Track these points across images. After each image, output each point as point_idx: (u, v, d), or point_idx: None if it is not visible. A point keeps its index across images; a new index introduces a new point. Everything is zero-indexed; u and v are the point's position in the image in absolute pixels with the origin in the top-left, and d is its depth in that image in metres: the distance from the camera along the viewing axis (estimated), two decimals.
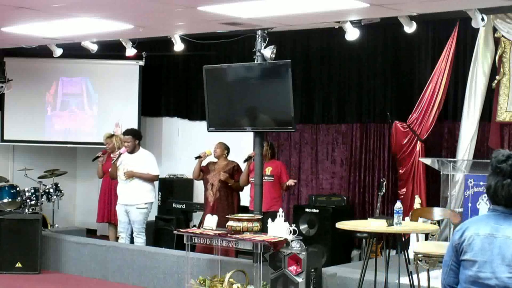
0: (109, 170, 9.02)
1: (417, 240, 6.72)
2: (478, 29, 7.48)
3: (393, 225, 5.88)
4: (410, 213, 6.88)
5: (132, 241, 8.79)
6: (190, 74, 10.80)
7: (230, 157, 8.67)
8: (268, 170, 8.18)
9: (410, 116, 8.34)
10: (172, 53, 9.15)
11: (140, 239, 8.67)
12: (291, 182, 8.33)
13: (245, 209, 8.42)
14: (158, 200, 10.17)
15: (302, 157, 9.80)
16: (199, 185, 9.96)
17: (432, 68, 8.30)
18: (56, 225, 10.29)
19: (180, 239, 7.43)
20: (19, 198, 9.81)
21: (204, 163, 8.70)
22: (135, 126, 10.07)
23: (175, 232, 7.53)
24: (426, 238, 7.40)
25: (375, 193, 8.88)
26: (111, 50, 9.81)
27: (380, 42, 9.04)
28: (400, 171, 8.50)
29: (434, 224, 6.92)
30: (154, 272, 7.94)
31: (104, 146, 9.88)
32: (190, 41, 8.59)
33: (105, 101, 11.00)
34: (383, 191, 8.07)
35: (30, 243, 8.65)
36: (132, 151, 8.68)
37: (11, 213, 9.26)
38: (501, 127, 8.16)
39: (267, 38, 7.32)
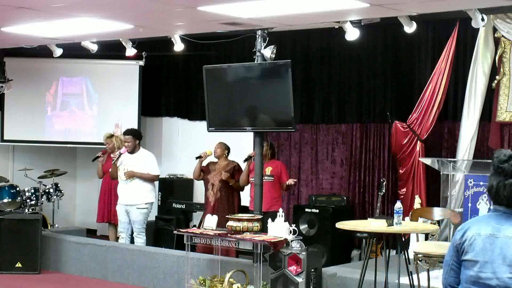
0: (110, 170, 9.02)
1: (417, 240, 6.72)
2: (478, 29, 7.48)
3: (393, 225, 5.88)
4: (410, 213, 6.88)
5: (132, 241, 8.79)
6: (190, 74, 10.80)
7: (230, 157, 8.67)
8: (268, 170, 8.18)
9: (410, 116, 8.34)
10: (172, 53, 9.15)
11: (140, 239, 8.67)
12: (291, 181, 8.33)
13: (245, 209, 8.42)
14: (158, 200, 10.17)
15: (302, 157, 9.80)
16: (199, 185, 9.97)
17: (432, 68, 8.30)
18: (56, 225, 10.30)
19: (180, 239, 7.43)
20: (19, 198, 9.81)
21: (204, 163, 8.70)
22: (135, 126, 10.08)
23: (175, 232, 7.53)
24: (426, 238, 7.40)
25: (375, 193, 8.88)
26: (111, 50, 9.81)
27: (380, 42, 9.04)
28: (400, 171, 8.50)
29: (434, 224, 6.92)
30: (154, 272, 7.94)
31: (104, 146, 9.88)
32: (190, 41, 8.59)
33: (105, 101, 11.00)
34: (383, 191, 8.06)
35: (30, 243, 8.65)
36: (132, 151, 8.68)
37: (11, 213, 9.26)
38: (501, 127, 8.16)
39: (267, 38, 7.32)
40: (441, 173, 7.79)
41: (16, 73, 10.80)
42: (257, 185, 7.44)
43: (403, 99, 8.82)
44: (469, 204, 7.49)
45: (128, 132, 8.81)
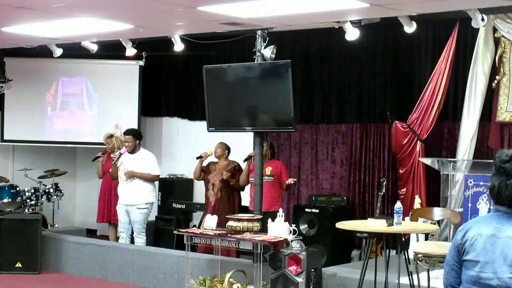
0: (110, 170, 9.02)
1: (417, 240, 6.72)
2: (478, 29, 7.48)
3: (393, 225, 5.88)
4: (410, 213, 6.88)
5: (132, 241, 8.79)
6: (190, 74, 10.80)
7: (230, 157, 8.67)
8: (268, 170, 8.18)
9: (410, 116, 8.34)
10: (172, 53, 9.15)
11: (140, 239, 8.67)
12: (290, 180, 8.32)
13: (245, 209, 8.42)
14: (158, 200, 10.17)
15: (302, 157, 9.80)
16: (199, 185, 9.97)
17: (432, 68, 8.30)
18: (56, 225, 10.30)
19: (180, 239, 7.43)
20: (19, 198, 9.81)
21: (205, 163, 8.70)
22: (135, 126, 10.08)
23: (175, 232, 7.53)
24: (426, 238, 7.40)
25: (375, 193, 8.88)
26: (111, 50, 9.81)
27: (380, 42, 9.04)
28: (400, 171, 8.50)
29: (434, 224, 6.92)
30: (154, 272, 7.94)
31: (104, 146, 9.88)
32: (190, 41, 8.59)
33: (105, 101, 11.00)
34: (383, 191, 8.07)
35: (30, 243, 8.65)
36: (132, 151, 8.68)
37: (11, 213, 9.26)
38: (501, 127, 8.16)
39: (267, 38, 7.32)
40: (441, 173, 7.79)
41: (16, 73, 10.80)
42: (257, 185, 7.44)
43: (403, 99, 8.82)
44: (469, 204, 7.49)
45: (128, 132, 8.82)
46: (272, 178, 8.26)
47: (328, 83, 9.52)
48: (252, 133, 8.02)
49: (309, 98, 9.59)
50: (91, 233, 10.92)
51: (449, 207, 7.66)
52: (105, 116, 10.89)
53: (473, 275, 2.87)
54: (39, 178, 10.05)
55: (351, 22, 7.29)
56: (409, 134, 8.34)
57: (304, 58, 9.58)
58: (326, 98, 9.52)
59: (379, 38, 9.01)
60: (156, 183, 9.11)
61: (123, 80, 10.91)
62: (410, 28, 7.21)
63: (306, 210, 8.91)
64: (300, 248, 6.41)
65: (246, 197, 8.64)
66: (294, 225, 6.75)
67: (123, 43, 8.79)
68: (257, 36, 7.34)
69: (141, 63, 10.72)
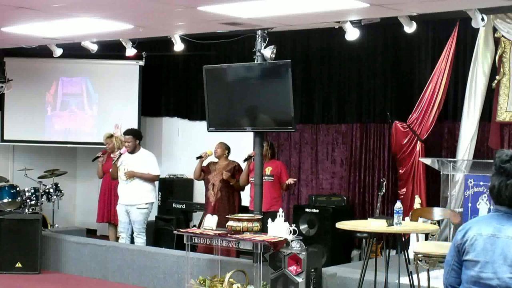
0: (110, 170, 9.02)
1: (417, 240, 6.72)
2: (478, 29, 7.48)
3: (393, 225, 5.88)
4: (410, 213, 6.88)
5: (132, 241, 8.79)
6: (190, 74, 10.80)
7: (230, 157, 8.67)
8: (268, 170, 8.18)
9: (410, 116, 8.34)
10: (172, 53, 9.15)
11: (140, 239, 8.67)
12: (290, 180, 8.32)
13: (245, 209, 8.42)
14: (158, 200, 10.17)
15: (302, 157, 9.80)
16: (199, 185, 9.97)
17: (432, 68, 8.30)
18: (56, 225, 10.30)
19: (180, 239, 7.43)
20: (19, 198, 9.81)
21: (205, 163, 8.70)
22: (135, 126, 10.08)
23: (175, 232, 7.53)
24: (426, 238, 7.40)
25: (375, 193, 8.88)
26: (111, 50, 9.81)
27: (380, 42, 9.04)
28: (400, 171, 8.50)
29: (434, 224, 6.92)
30: (154, 272, 7.94)
31: (104, 146, 9.88)
32: (190, 41, 8.59)
33: (105, 101, 11.00)
34: (383, 191, 8.07)
35: (30, 243, 8.65)
36: (132, 151, 8.68)
37: (11, 213, 9.26)
38: (501, 127, 8.16)
39: (267, 38, 7.32)
40: (441, 173, 7.79)
41: (16, 73, 10.80)
42: (257, 185, 7.44)
43: (403, 99, 8.82)
44: (469, 204, 7.49)
45: (128, 132, 8.82)
46: (272, 178, 8.26)
47: (328, 83, 9.52)
48: (252, 133, 8.02)
49: (309, 98, 9.59)
50: (91, 233, 10.92)
51: (449, 207, 7.66)
52: (105, 116, 10.89)
53: (473, 275, 2.87)
54: (39, 178, 10.05)
55: (351, 22, 7.29)
56: (409, 134, 8.34)
57: (304, 58, 9.58)
58: (326, 98, 9.52)
59: (379, 38, 9.01)
60: (156, 183, 9.11)
61: (123, 80, 10.91)
62: (410, 28, 7.21)
63: (306, 210, 8.91)
64: (300, 248, 6.41)
65: (246, 197, 8.63)
66: (294, 225, 6.75)
67: (123, 43, 8.79)
68: (257, 36, 7.34)
69: (141, 63, 10.72)
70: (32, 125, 11.11)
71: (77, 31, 8.00)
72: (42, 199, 9.98)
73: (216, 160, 8.68)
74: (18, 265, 8.60)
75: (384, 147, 9.05)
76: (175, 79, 11.18)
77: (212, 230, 6.94)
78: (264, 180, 7.61)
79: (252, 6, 6.42)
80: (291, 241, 6.50)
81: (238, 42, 8.63)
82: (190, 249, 7.12)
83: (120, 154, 8.72)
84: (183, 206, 9.85)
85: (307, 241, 7.61)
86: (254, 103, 7.42)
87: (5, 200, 9.70)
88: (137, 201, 8.62)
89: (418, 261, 5.97)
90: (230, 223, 6.82)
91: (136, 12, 6.98)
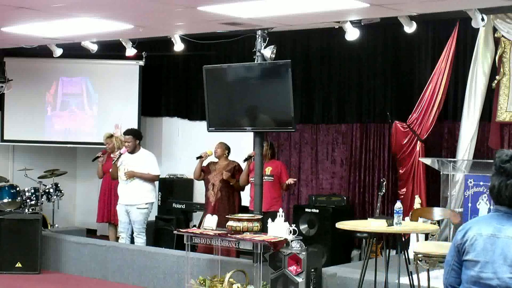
0: (110, 170, 9.02)
1: (417, 240, 6.72)
2: (478, 29, 7.48)
3: (393, 225, 5.88)
4: (410, 213, 6.88)
5: (132, 241, 8.79)
6: (190, 74, 10.80)
7: (230, 157, 8.67)
8: (268, 170, 8.18)
9: (410, 116, 8.34)
10: (172, 53, 9.15)
11: (140, 239, 8.67)
12: (290, 180, 8.33)
13: (245, 209, 8.42)
14: (158, 200, 10.17)
15: (302, 157, 9.80)
16: (199, 185, 9.97)
17: (432, 68, 8.30)
18: (56, 225, 10.30)
19: (180, 239, 7.43)
20: (19, 198, 9.81)
21: (205, 163, 8.70)
22: (135, 126, 10.08)
23: (175, 232, 7.53)
24: (426, 238, 7.40)
25: (375, 193, 8.88)
26: (111, 50, 9.81)
27: (380, 42, 9.04)
28: (400, 171, 8.50)
29: (434, 224, 6.92)
30: (154, 272, 7.94)
31: (104, 146, 9.88)
32: (190, 41, 8.59)
33: (105, 101, 11.00)
34: (383, 191, 8.07)
35: (30, 243, 8.65)
36: (132, 151, 8.68)
37: (11, 213, 9.26)
38: (501, 127, 8.16)
39: (267, 38, 7.32)
40: (441, 173, 7.79)
41: (16, 73, 10.80)
42: (257, 185, 7.44)
43: (403, 99, 8.82)
44: (469, 204, 7.49)
45: (128, 132, 8.82)
46: (272, 178, 8.26)
47: (328, 83, 9.52)
48: (252, 133, 8.02)
49: (309, 98, 9.59)
50: (91, 233, 10.92)
51: (449, 207, 7.66)
52: (105, 116, 10.89)
53: (473, 275, 2.87)
54: (39, 178, 10.05)
55: (351, 22, 7.29)
56: (409, 134, 8.34)
57: (304, 58, 9.58)
58: (326, 98, 9.52)
59: (379, 38, 9.01)
60: (156, 183, 9.11)
61: (123, 80, 10.91)
62: (410, 28, 7.21)
63: (306, 210, 8.91)
64: (300, 248, 6.41)
65: (246, 197, 8.63)
66: (294, 225, 6.75)
67: (123, 43, 8.79)
68: (257, 36, 7.34)
69: (141, 63, 10.72)
70: (32, 125, 11.11)
71: (77, 31, 8.00)
72: (42, 199, 9.98)
73: (216, 160, 8.68)
74: (18, 265, 8.60)
75: (384, 147, 9.05)
76: (175, 79, 11.18)
77: (212, 230, 6.94)
78: (264, 180, 7.61)
79: (252, 6, 6.42)
80: (291, 241, 6.49)
81: (238, 42, 8.63)
82: (190, 249, 7.12)
83: (120, 154, 8.72)
84: (183, 206, 9.85)
85: (307, 241, 7.61)
86: (254, 103, 7.42)
87: (5, 200, 9.70)
88: (137, 201, 8.62)
89: (418, 261, 5.97)
90: (230, 223, 6.82)
91: (136, 12, 6.98)
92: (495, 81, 8.08)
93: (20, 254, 8.62)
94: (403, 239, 6.53)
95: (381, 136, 9.10)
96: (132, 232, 8.75)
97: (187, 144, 10.89)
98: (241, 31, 7.73)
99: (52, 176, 10.21)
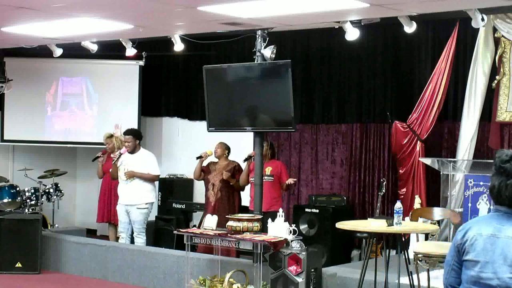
0: (110, 170, 9.02)
1: (417, 240, 6.72)
2: (478, 29, 7.48)
3: (393, 225, 5.88)
4: (410, 213, 6.88)
5: (132, 241, 8.79)
6: (190, 74, 10.80)
7: (230, 157, 8.67)
8: (268, 170, 8.18)
9: (410, 116, 8.34)
10: (172, 53, 9.15)
11: (140, 239, 8.67)
12: (290, 180, 8.33)
13: (245, 209, 8.42)
14: (158, 200, 10.17)
15: (302, 157, 9.80)
16: (199, 185, 9.97)
17: (432, 68, 8.30)
18: (56, 225, 10.30)
19: (180, 239, 7.43)
20: (19, 198, 9.81)
21: (205, 163, 8.70)
22: (135, 126, 10.08)
23: (175, 232, 7.53)
24: (426, 238, 7.40)
25: (375, 193, 8.88)
26: (111, 50, 9.81)
27: (380, 42, 9.04)
28: (400, 171, 8.50)
29: (434, 224, 6.92)
30: (154, 272, 7.94)
31: (104, 146, 9.88)
32: (190, 41, 8.59)
33: (105, 101, 11.00)
34: (383, 191, 8.07)
35: (30, 243, 8.65)
36: (132, 151, 8.68)
37: (11, 213, 9.26)
38: (501, 127, 8.16)
39: (267, 38, 7.32)
40: (441, 173, 7.79)
41: (16, 73, 10.80)
42: (257, 185, 7.44)
43: (403, 99, 8.82)
44: (469, 204, 7.49)
45: (128, 132, 8.82)
46: (272, 178, 8.27)
47: (328, 83, 9.52)
48: (252, 133, 8.02)
49: (309, 98, 9.59)
50: (91, 233, 10.92)
51: (449, 207, 7.66)
52: (105, 116, 10.89)
53: (473, 275, 2.87)
54: (39, 178, 10.05)
55: (351, 22, 7.29)
56: (409, 134, 8.34)
57: (304, 58, 9.58)
58: (326, 98, 9.52)
59: (379, 38, 9.01)
60: (156, 183, 9.11)
61: (123, 80, 10.91)
62: (410, 28, 7.21)
63: (306, 210, 8.91)
64: (300, 248, 6.41)
65: (246, 197, 8.63)
66: (294, 225, 6.75)
67: (123, 43, 8.79)
68: (257, 36, 7.34)
69: (141, 63, 10.72)
70: (32, 125, 11.11)
71: (77, 31, 8.00)
72: (42, 199, 9.98)
73: (216, 160, 8.68)
74: (18, 265, 8.60)
75: (384, 147, 9.05)
76: (175, 79, 11.18)
77: (212, 230, 6.94)
78: (264, 180, 7.61)
79: (252, 6, 6.42)
80: (291, 241, 6.49)
81: (238, 42, 8.63)
82: (190, 249, 7.12)
83: (120, 154, 8.72)
84: (183, 206, 9.85)
85: (307, 241, 7.61)
86: (254, 103, 7.42)
87: (5, 200, 9.70)
88: (137, 201, 8.62)
89: (418, 261, 5.97)
90: (230, 223, 6.82)
91: (136, 12, 6.98)
92: (495, 81, 8.08)
93: (20, 254, 8.62)
94: (403, 239, 6.53)
95: (381, 136, 9.10)
96: (132, 232, 8.75)
97: (187, 144, 10.89)
98: (241, 31, 7.73)
99: (52, 176, 10.21)
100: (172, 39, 8.43)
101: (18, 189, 9.86)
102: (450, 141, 8.54)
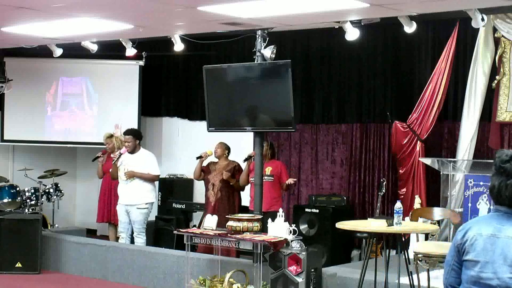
0: (110, 170, 9.02)
1: (417, 240, 6.72)
2: (478, 29, 7.48)
3: (393, 225, 5.88)
4: (410, 213, 6.88)
5: (132, 241, 8.79)
6: (190, 74, 10.80)
7: (230, 157, 8.67)
8: (268, 170, 8.18)
9: (410, 116, 8.34)
10: (172, 53, 9.15)
11: (140, 239, 8.67)
12: (290, 180, 8.33)
13: (245, 209, 8.42)
14: (158, 200, 10.17)
15: (302, 157, 9.80)
16: (199, 185, 9.97)
17: (432, 68, 8.30)
18: (56, 225, 10.30)
19: (180, 239, 7.43)
20: (19, 198, 9.81)
21: (205, 163, 8.70)
22: (135, 126, 10.08)
23: (175, 232, 7.53)
24: (426, 238, 7.40)
25: (375, 193, 8.88)
26: (111, 50, 9.81)
27: (380, 42, 9.04)
28: (400, 171, 8.50)
29: (434, 224, 6.92)
30: (154, 272, 7.94)
31: (104, 146, 9.88)
32: (190, 41, 8.59)
33: (105, 101, 11.00)
34: (383, 191, 8.07)
35: (30, 243, 8.65)
36: (132, 151, 8.68)
37: (11, 213, 9.26)
38: (501, 127, 8.16)
39: (267, 38, 7.32)
40: (441, 173, 7.79)
41: (16, 73, 10.80)
42: (257, 185, 7.44)
43: (403, 99, 8.82)
44: (469, 204, 7.49)
45: (128, 132, 8.82)
46: (272, 178, 8.27)
47: (328, 83, 9.52)
48: (252, 133, 8.02)
49: (309, 98, 9.60)
50: (91, 233, 10.92)
51: (449, 207, 7.66)
52: (105, 116, 10.89)
53: (473, 275, 2.87)
54: (39, 178, 10.05)
55: (351, 22, 7.29)
56: (409, 134, 8.34)
57: (304, 58, 9.58)
58: (326, 98, 9.52)
59: (379, 38, 9.01)
60: (156, 183, 9.11)
61: (123, 80, 10.91)
62: (410, 28, 7.21)
63: (306, 210, 8.91)
64: (300, 248, 6.41)
65: (246, 197, 8.64)
66: (294, 225, 6.75)
67: (123, 43, 8.79)
68: (257, 36, 7.34)
69: (141, 63, 10.72)
70: (32, 125, 11.11)
71: (77, 31, 8.00)
72: (42, 199, 9.98)
73: (216, 160, 8.68)
74: (18, 265, 8.60)
75: (384, 147, 9.05)
76: (175, 79, 11.18)
77: (212, 230, 6.94)
78: (264, 180, 7.61)
79: (252, 6, 6.42)
80: (291, 241, 6.49)
81: (238, 42, 8.63)
82: (190, 249, 7.12)
83: (120, 154, 8.72)
84: (183, 206, 9.85)
85: (307, 241, 7.61)
86: (254, 103, 7.42)
87: (5, 200, 9.70)
88: (137, 201, 8.62)
89: (418, 261, 5.97)
90: (230, 223, 6.82)
91: (136, 12, 6.98)
92: (495, 81, 8.08)
93: (20, 254, 8.62)
94: (403, 239, 6.53)
95: (381, 136, 9.10)
96: (132, 232, 8.75)
97: (187, 144, 10.89)
98: (241, 31, 7.73)
99: (52, 176, 10.21)
100: (172, 39, 8.43)
101: (18, 189, 9.86)
102: (450, 141, 8.54)
